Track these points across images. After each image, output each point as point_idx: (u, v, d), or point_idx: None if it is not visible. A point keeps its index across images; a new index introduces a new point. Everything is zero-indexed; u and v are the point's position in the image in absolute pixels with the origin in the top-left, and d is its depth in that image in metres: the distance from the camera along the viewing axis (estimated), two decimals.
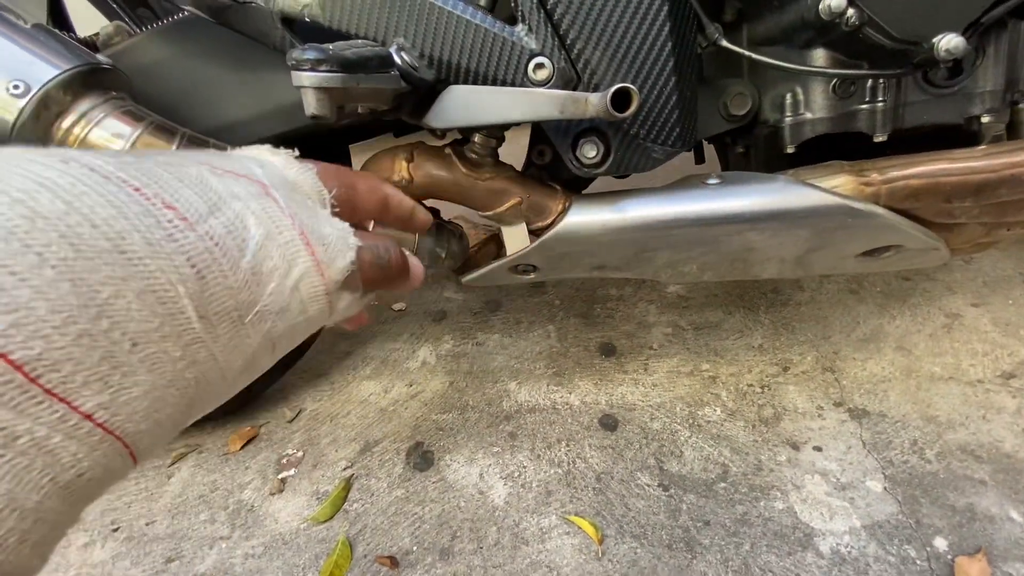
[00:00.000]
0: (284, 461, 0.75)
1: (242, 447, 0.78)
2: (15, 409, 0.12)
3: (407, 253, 0.26)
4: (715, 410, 0.71)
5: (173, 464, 0.77)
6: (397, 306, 1.02)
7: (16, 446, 0.12)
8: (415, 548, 0.61)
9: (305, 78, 0.34)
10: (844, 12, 0.38)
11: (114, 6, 0.71)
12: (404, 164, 0.48)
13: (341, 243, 0.22)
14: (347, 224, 0.23)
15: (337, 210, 0.23)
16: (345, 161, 0.78)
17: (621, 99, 0.37)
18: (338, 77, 0.34)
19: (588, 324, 0.90)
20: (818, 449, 0.64)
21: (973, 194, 0.40)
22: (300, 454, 0.75)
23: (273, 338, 0.19)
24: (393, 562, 0.59)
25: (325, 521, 0.65)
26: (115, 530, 0.69)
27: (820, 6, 0.38)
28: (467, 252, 0.59)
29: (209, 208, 0.17)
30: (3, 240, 0.13)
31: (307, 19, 0.41)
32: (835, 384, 0.72)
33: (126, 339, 0.14)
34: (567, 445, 0.69)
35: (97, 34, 0.55)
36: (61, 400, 0.13)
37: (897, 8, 0.37)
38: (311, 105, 0.35)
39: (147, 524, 0.69)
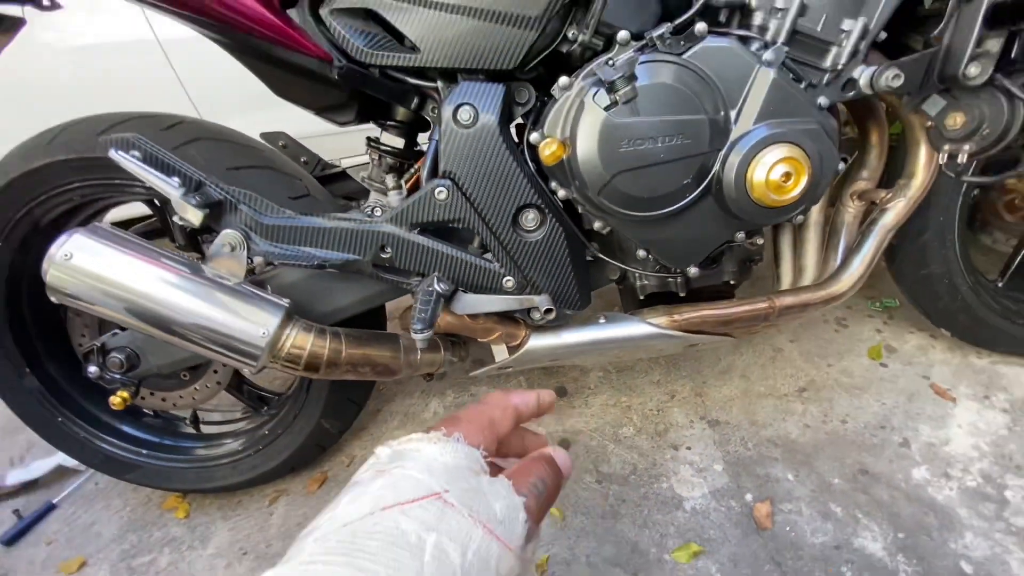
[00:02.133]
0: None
1: (318, 487, 1.13)
2: None
3: (551, 453, 0.31)
4: (629, 429, 1.12)
5: (270, 504, 1.11)
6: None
7: None
8: None
9: None
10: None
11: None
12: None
13: (512, 512, 0.25)
14: (506, 483, 0.27)
15: (490, 460, 0.28)
16: None
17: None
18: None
19: (547, 374, 1.30)
20: (688, 448, 1.06)
21: (724, 323, 0.82)
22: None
23: None
24: None
25: None
26: (244, 554, 1.03)
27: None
28: (468, 353, 0.97)
29: (419, 560, 0.22)
30: None
31: None
32: (702, 404, 1.15)
33: None
34: None
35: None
36: None
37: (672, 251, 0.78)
38: None
39: (266, 546, 1.03)
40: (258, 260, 0.82)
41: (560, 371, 1.30)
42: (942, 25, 0.66)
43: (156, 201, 0.97)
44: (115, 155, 0.68)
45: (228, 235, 0.73)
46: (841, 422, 1.07)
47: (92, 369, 0.86)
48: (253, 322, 0.71)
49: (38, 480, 1.25)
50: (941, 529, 0.87)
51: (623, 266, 0.84)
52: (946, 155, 0.74)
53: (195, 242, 0.98)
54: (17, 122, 1.03)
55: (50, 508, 1.18)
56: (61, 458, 1.23)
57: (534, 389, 0.37)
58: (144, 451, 1.07)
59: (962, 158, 0.72)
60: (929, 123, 0.74)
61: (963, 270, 1.00)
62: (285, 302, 0.74)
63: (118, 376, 0.87)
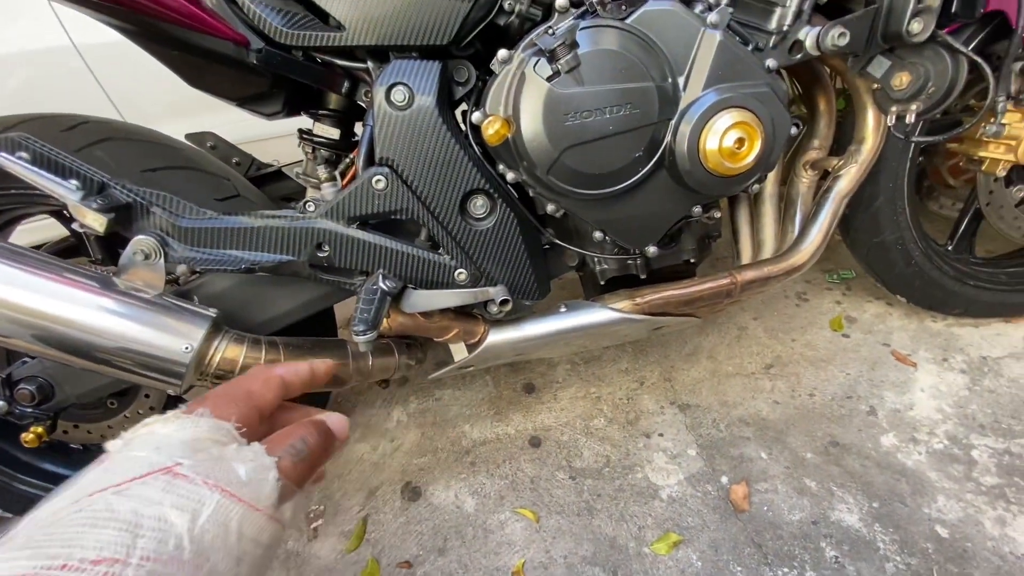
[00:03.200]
0: (311, 515, 1.03)
1: None
2: None
3: (318, 419, 0.30)
4: (600, 420, 1.09)
5: None
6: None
7: None
8: (421, 552, 0.92)
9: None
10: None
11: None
12: (385, 321, 0.80)
13: (259, 471, 0.24)
14: (257, 447, 0.26)
15: (243, 430, 0.27)
16: None
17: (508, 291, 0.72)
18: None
19: (514, 371, 1.25)
20: (660, 435, 1.04)
21: (687, 303, 0.79)
22: (322, 508, 1.04)
23: (249, 567, 0.22)
24: (408, 565, 0.91)
25: (354, 550, 0.95)
26: None
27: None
28: (425, 355, 0.92)
29: (131, 534, 0.20)
30: None
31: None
32: (671, 389, 1.13)
33: None
34: (509, 463, 1.04)
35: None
36: None
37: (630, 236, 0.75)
38: None
39: None
40: (181, 269, 0.74)
41: (527, 366, 1.26)
42: None
43: (65, 212, 0.87)
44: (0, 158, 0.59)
45: (140, 241, 0.65)
46: (809, 395, 1.06)
47: None
48: (175, 336, 0.64)
49: None
50: (914, 495, 0.87)
51: (581, 251, 0.80)
52: (894, 116, 0.73)
53: (114, 255, 0.89)
54: None
55: None
56: None
57: (308, 361, 0.35)
58: None
59: (910, 118, 0.72)
60: (875, 85, 0.73)
61: (915, 236, 1.01)
62: (212, 312, 0.67)
63: (29, 410, 0.78)
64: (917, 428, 0.97)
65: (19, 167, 0.59)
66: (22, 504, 0.94)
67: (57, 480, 0.96)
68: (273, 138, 1.64)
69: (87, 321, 0.62)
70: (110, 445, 0.26)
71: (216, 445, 0.25)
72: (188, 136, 0.99)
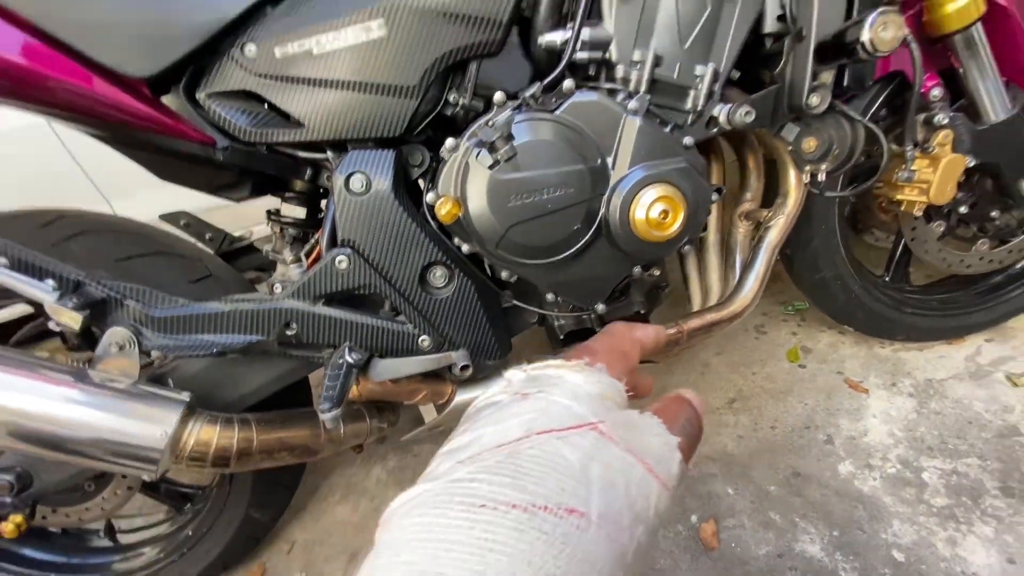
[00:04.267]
0: None
1: None
2: None
3: (688, 398, 0.29)
4: None
5: None
6: None
7: None
8: None
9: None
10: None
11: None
12: (355, 388, 0.84)
13: (668, 451, 0.24)
14: (658, 422, 0.25)
15: (631, 394, 0.27)
16: None
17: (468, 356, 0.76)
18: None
19: None
20: None
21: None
22: (304, 574, 1.04)
23: (645, 556, 0.22)
24: None
25: None
26: None
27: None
28: (398, 417, 0.95)
29: (586, 488, 0.20)
30: None
31: None
32: None
33: None
34: None
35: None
36: None
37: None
38: None
39: None
40: (156, 354, 0.78)
41: None
42: (782, 63, 0.73)
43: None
44: None
45: (115, 333, 0.69)
46: (771, 428, 1.11)
47: None
48: (151, 423, 0.67)
49: None
50: (871, 520, 0.91)
51: (539, 310, 0.85)
52: (808, 174, 0.81)
53: (90, 339, 0.91)
54: None
55: None
56: None
57: (652, 324, 0.35)
58: (52, 575, 0.96)
59: (821, 176, 0.80)
60: (789, 147, 0.81)
61: (852, 271, 1.09)
62: (185, 396, 0.70)
63: (8, 500, 0.79)
64: (871, 454, 1.02)
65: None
66: None
67: (38, 566, 0.95)
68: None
69: (63, 416, 0.65)
70: (512, 376, 0.27)
71: (615, 406, 0.26)
72: (162, 216, 1.03)
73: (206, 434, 0.69)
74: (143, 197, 1.89)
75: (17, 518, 0.81)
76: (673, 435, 0.26)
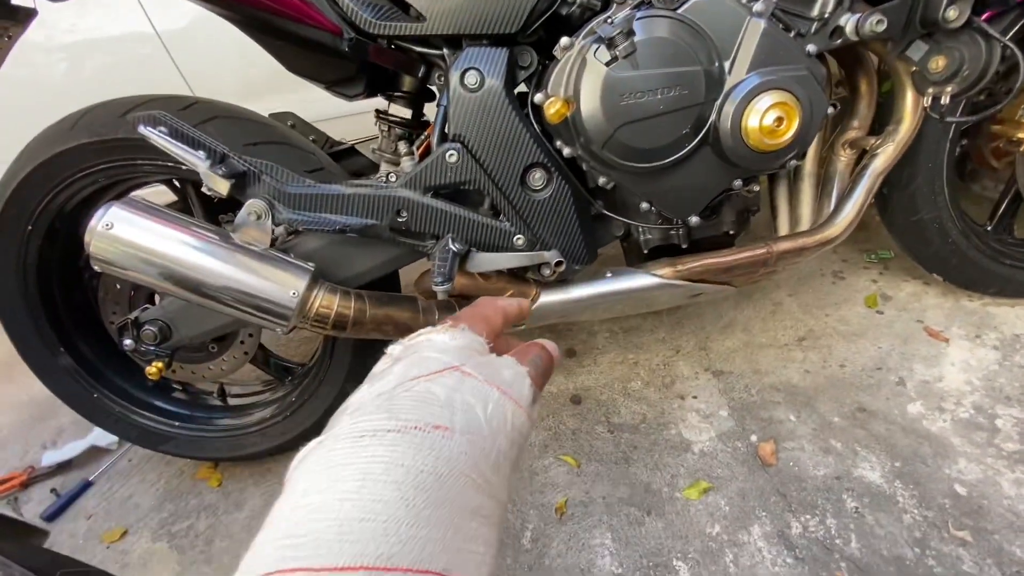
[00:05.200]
0: None
1: None
2: None
3: (541, 343, 0.36)
4: (637, 383, 1.17)
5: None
6: None
7: None
8: None
9: None
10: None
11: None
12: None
13: (520, 378, 0.30)
14: (512, 359, 0.31)
15: (491, 345, 0.32)
16: None
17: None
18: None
19: (557, 336, 1.35)
20: (695, 398, 1.11)
21: (725, 271, 0.87)
22: None
23: (512, 462, 0.28)
24: None
25: None
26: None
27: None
28: None
29: (450, 411, 0.25)
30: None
31: None
32: (706, 357, 1.20)
33: (459, 515, 0.22)
34: (552, 417, 1.14)
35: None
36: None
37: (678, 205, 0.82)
38: None
39: None
40: (279, 230, 0.86)
41: (569, 333, 1.35)
42: None
43: (176, 182, 1.00)
44: (144, 130, 0.72)
45: (254, 204, 0.77)
46: (840, 366, 1.12)
47: (128, 342, 0.91)
48: (283, 285, 0.76)
49: (72, 461, 1.30)
50: (935, 457, 0.92)
51: (627, 220, 0.88)
52: (930, 98, 0.78)
53: (216, 222, 1.02)
54: (16, 125, 1.04)
55: (87, 486, 1.24)
56: (93, 438, 1.29)
57: (516, 297, 0.42)
58: (176, 423, 1.12)
59: (945, 99, 0.76)
60: (913, 68, 0.77)
61: (952, 215, 1.04)
62: (311, 266, 0.78)
63: (152, 348, 0.92)
64: (944, 398, 1.02)
65: (163, 140, 0.72)
66: (136, 431, 1.10)
67: (164, 414, 1.11)
68: (329, 119, 1.76)
69: (211, 267, 0.75)
70: (391, 349, 0.32)
71: (477, 354, 0.31)
72: (271, 115, 1.11)
73: (328, 300, 0.78)
74: None
75: (159, 363, 0.95)
76: (523, 366, 0.31)
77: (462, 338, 0.32)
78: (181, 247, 0.73)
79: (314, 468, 0.23)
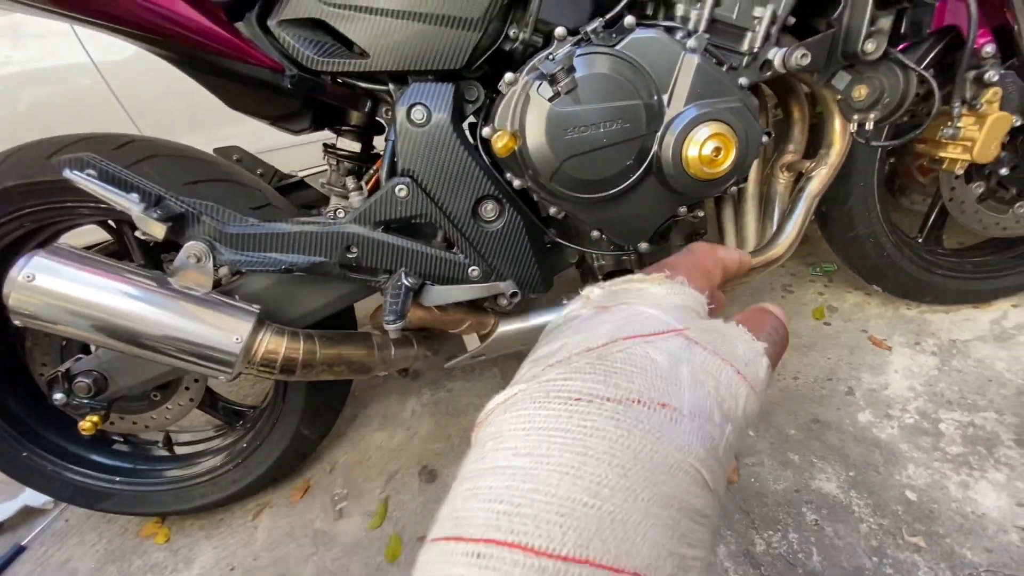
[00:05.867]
0: (336, 497, 1.11)
1: (301, 496, 1.13)
2: None
3: (771, 309, 0.28)
4: None
5: (254, 519, 1.11)
6: None
7: None
8: None
9: None
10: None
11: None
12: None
13: (756, 356, 0.24)
14: (745, 331, 0.25)
15: (712, 307, 0.27)
16: None
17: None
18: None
19: (520, 361, 1.34)
20: None
21: None
22: (345, 491, 1.12)
23: (733, 445, 0.22)
24: None
25: (378, 527, 1.03)
26: (231, 569, 1.03)
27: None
28: (440, 346, 1.00)
29: (676, 386, 0.21)
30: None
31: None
32: None
33: (683, 516, 0.19)
34: None
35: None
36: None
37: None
38: None
39: (254, 560, 1.03)
40: (223, 271, 0.83)
41: None
42: (840, 8, 0.74)
43: (111, 223, 0.96)
44: (71, 175, 0.68)
45: (192, 247, 0.74)
46: (793, 379, 1.15)
47: (58, 396, 0.85)
48: (226, 330, 0.72)
49: (2, 524, 1.20)
50: (886, 464, 0.96)
51: (580, 248, 0.89)
52: (856, 124, 0.83)
53: (156, 261, 0.97)
54: None
55: (19, 551, 1.14)
56: (26, 498, 1.20)
57: (736, 249, 0.35)
58: (117, 478, 1.05)
59: (869, 125, 0.81)
60: (839, 96, 0.82)
61: (886, 230, 1.10)
62: (256, 308, 0.75)
63: (86, 401, 0.86)
64: (891, 405, 1.06)
65: (90, 183, 0.68)
66: (70, 491, 1.03)
67: (103, 469, 1.04)
68: (280, 149, 1.73)
69: (148, 315, 0.71)
70: (592, 292, 0.27)
71: (698, 318, 0.25)
72: (216, 150, 1.07)
73: (275, 344, 0.75)
74: (182, 140, 1.95)
75: (94, 417, 0.89)
76: (759, 342, 0.25)
77: (681, 295, 0.26)
78: (113, 296, 0.69)
79: (521, 425, 0.20)
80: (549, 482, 0.18)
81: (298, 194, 1.15)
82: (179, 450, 1.13)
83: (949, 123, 0.92)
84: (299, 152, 1.81)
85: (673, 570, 0.18)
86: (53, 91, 1.77)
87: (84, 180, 0.68)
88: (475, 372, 1.34)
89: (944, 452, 0.96)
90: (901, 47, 0.80)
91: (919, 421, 1.02)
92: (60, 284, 0.67)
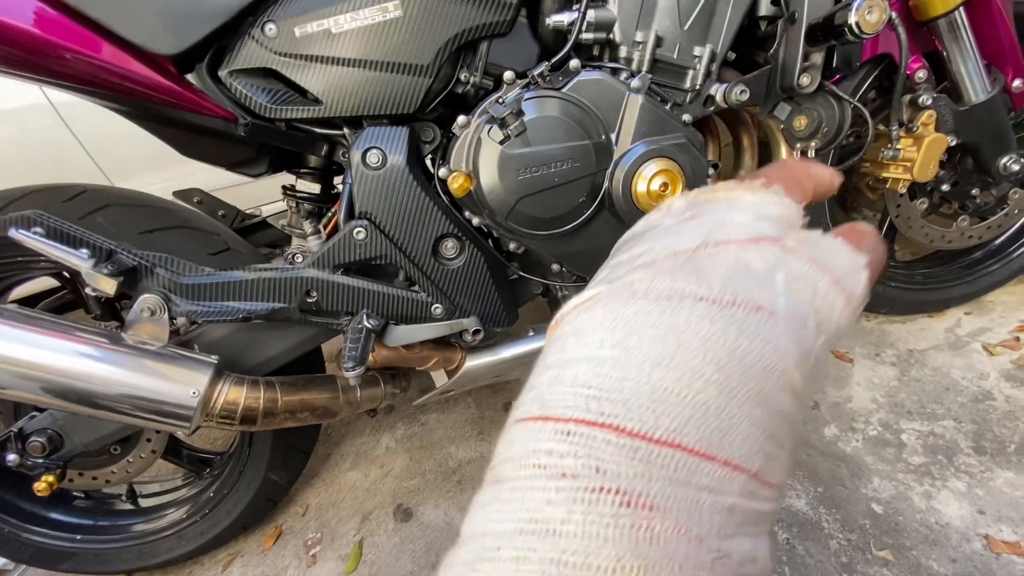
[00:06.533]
0: (309, 543, 1.09)
1: (273, 543, 1.10)
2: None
3: (869, 227, 0.27)
4: None
5: (224, 570, 1.08)
6: None
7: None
8: (415, 569, 0.99)
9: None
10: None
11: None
12: (371, 355, 0.88)
13: (856, 269, 0.23)
14: (845, 242, 0.24)
15: (808, 219, 0.25)
16: None
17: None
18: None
19: (493, 392, 1.34)
20: None
21: None
22: (318, 535, 1.10)
23: (823, 359, 0.22)
24: None
25: (352, 571, 1.01)
26: None
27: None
28: (409, 383, 1.00)
29: (772, 291, 0.20)
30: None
31: None
32: None
33: (772, 417, 0.19)
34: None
35: None
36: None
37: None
38: None
39: None
40: (181, 320, 0.82)
41: (506, 387, 1.34)
42: (775, 45, 0.77)
43: (65, 273, 0.94)
44: (16, 234, 0.67)
45: (146, 300, 0.73)
46: None
47: (11, 457, 0.82)
48: (182, 383, 0.71)
49: None
50: (852, 478, 0.98)
51: (544, 280, 0.90)
52: (799, 151, 0.86)
53: (113, 310, 0.95)
54: None
55: None
56: None
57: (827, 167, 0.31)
58: (78, 536, 1.01)
59: (811, 153, 0.84)
60: (781, 126, 0.85)
61: None
62: (213, 359, 0.74)
63: (40, 460, 0.83)
64: (855, 418, 1.08)
65: (37, 242, 0.67)
66: (29, 552, 0.98)
67: (63, 528, 1.00)
68: (247, 183, 1.72)
69: (99, 374, 0.69)
70: (676, 202, 0.26)
71: (795, 227, 0.24)
72: (175, 193, 1.07)
73: (234, 394, 0.74)
74: (146, 179, 1.92)
75: (49, 477, 0.86)
76: (860, 255, 0.24)
77: (778, 204, 0.24)
78: (62, 357, 0.67)
79: (605, 321, 0.19)
80: (641, 370, 0.18)
81: (261, 234, 1.14)
82: (143, 503, 1.10)
83: (889, 145, 0.97)
84: (271, 183, 1.80)
85: (761, 465, 0.18)
86: (15, 132, 1.75)
87: (30, 239, 0.67)
88: (449, 405, 1.33)
89: (907, 463, 0.98)
90: (835, 78, 0.84)
91: (882, 432, 1.05)
92: (6, 347, 0.66)
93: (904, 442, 1.02)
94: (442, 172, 0.77)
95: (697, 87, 0.75)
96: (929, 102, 0.96)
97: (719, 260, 0.21)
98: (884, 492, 0.94)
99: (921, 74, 0.96)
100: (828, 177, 0.31)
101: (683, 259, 0.21)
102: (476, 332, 0.84)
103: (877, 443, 1.03)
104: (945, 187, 1.10)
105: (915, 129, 0.97)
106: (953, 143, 0.99)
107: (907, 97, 0.98)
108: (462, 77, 0.76)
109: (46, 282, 1.16)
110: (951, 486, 0.93)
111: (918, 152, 0.96)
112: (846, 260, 0.23)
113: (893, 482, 0.96)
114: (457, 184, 0.72)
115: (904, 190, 1.04)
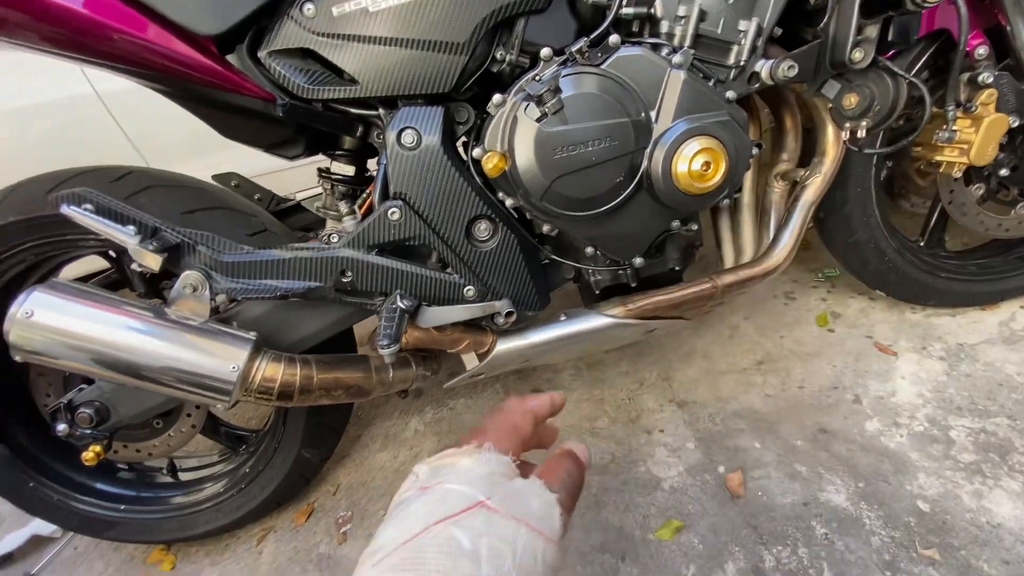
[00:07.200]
0: (340, 520, 1.11)
1: (305, 520, 1.13)
2: None
3: (570, 448, 0.35)
4: (604, 420, 1.16)
5: (259, 544, 1.11)
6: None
7: None
8: None
9: None
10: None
11: None
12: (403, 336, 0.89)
13: (549, 507, 0.28)
14: (539, 483, 0.30)
15: (519, 462, 0.32)
16: None
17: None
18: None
19: (521, 378, 1.33)
20: (661, 431, 1.11)
21: (675, 306, 0.88)
22: (349, 513, 1.12)
23: None
24: None
25: None
26: None
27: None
28: (440, 366, 1.00)
29: (477, 564, 0.25)
30: None
31: None
32: (669, 388, 1.21)
33: None
34: None
35: None
36: None
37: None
38: None
39: None
40: (221, 298, 0.83)
41: (533, 373, 1.34)
42: (826, 18, 0.74)
43: (111, 252, 0.97)
44: (67, 210, 0.69)
45: (189, 276, 0.74)
46: (798, 388, 1.14)
47: (61, 427, 0.85)
48: (222, 358, 0.73)
49: (12, 554, 1.20)
50: (896, 474, 0.94)
51: (576, 264, 0.89)
52: (848, 132, 0.82)
53: (156, 289, 0.98)
54: None
55: None
56: (34, 528, 1.20)
57: (547, 393, 0.41)
58: (122, 506, 1.05)
59: (861, 133, 0.80)
60: (830, 105, 0.81)
61: (886, 234, 1.09)
62: (252, 335, 0.76)
63: (88, 431, 0.87)
64: (899, 413, 1.04)
65: (86, 218, 0.69)
66: (76, 520, 1.03)
67: (108, 498, 1.05)
68: (281, 170, 1.75)
69: (144, 347, 0.71)
70: (419, 470, 0.32)
71: (506, 479, 0.30)
72: (214, 177, 1.09)
73: (272, 370, 0.75)
74: (186, 169, 1.97)
75: (96, 447, 0.89)
76: (553, 492, 0.30)
77: (487, 463, 0.31)
78: (110, 329, 0.70)
79: None
80: None
81: (296, 217, 1.16)
82: (183, 476, 1.13)
83: (944, 126, 0.92)
84: (304, 171, 1.83)
85: None
86: (62, 122, 1.81)
87: (81, 215, 0.69)
88: (477, 389, 1.33)
89: (956, 460, 0.94)
90: (890, 54, 0.80)
91: (929, 428, 1.00)
92: (59, 319, 0.68)
93: (953, 439, 0.98)
94: (476, 152, 0.76)
95: (742, 63, 0.72)
96: (990, 80, 0.90)
97: (436, 543, 0.26)
98: (931, 489, 0.90)
99: (982, 51, 0.91)
100: (547, 404, 0.38)
101: (409, 548, 0.26)
102: (509, 314, 0.84)
103: (923, 439, 0.98)
104: (1004, 172, 1.04)
105: (973, 109, 0.91)
106: (1015, 124, 0.93)
107: (966, 75, 0.93)
108: (498, 55, 0.75)
109: (94, 263, 1.20)
110: (1004, 485, 0.88)
111: (976, 134, 0.91)
112: (541, 502, 0.29)
113: (940, 479, 0.92)
114: (492, 164, 0.72)
115: (959, 175, 0.99)
